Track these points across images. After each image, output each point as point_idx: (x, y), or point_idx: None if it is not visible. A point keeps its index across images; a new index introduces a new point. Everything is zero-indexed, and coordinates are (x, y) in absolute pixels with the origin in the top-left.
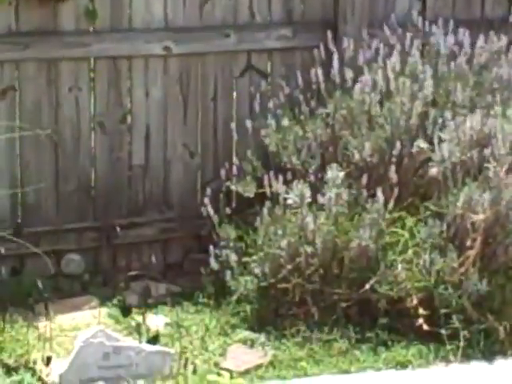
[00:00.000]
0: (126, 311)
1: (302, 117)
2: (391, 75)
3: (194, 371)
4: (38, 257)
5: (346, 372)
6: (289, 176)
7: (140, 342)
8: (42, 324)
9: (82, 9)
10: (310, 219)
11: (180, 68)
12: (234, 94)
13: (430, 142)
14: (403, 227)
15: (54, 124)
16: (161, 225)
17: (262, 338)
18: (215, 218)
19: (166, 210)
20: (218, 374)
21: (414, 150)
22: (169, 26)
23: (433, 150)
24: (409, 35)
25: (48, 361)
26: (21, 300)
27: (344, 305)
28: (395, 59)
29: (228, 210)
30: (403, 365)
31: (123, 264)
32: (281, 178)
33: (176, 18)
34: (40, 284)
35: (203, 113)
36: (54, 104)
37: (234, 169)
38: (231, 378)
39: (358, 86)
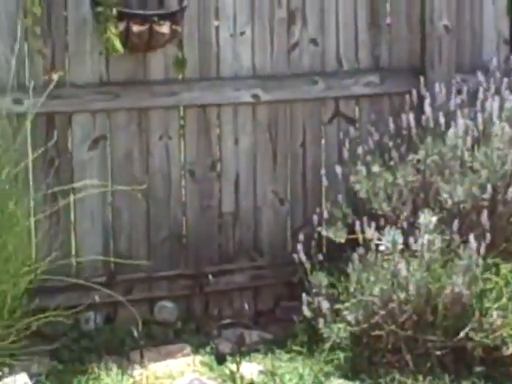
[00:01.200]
0: (220, 359)
1: (392, 163)
2: (487, 119)
3: None
4: (131, 304)
5: None
6: (380, 222)
7: None
8: (137, 372)
9: (171, 58)
10: (402, 265)
11: (268, 115)
12: (323, 140)
13: None
14: (497, 274)
15: (145, 172)
16: (252, 272)
17: None
18: (307, 265)
19: (256, 257)
20: None
21: (509, 196)
22: (257, 74)
23: None
24: (506, 80)
25: None
26: (115, 348)
27: (439, 352)
28: (492, 103)
29: (320, 257)
30: None
31: (215, 311)
32: (373, 224)
33: (264, 66)
34: (135, 331)
35: (292, 159)
36: (145, 152)
37: (325, 214)
38: None
39: (451, 131)
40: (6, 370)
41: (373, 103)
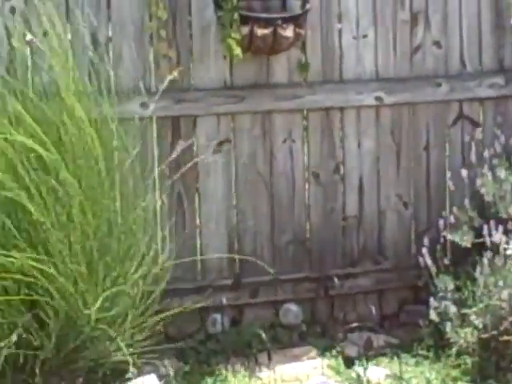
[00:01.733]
0: (348, 362)
1: None
2: None
3: None
4: (257, 307)
5: None
6: (507, 226)
7: None
8: (264, 374)
9: (294, 62)
10: None
11: (392, 118)
12: (446, 143)
13: None
14: None
15: (269, 175)
16: (376, 275)
17: None
18: (433, 269)
19: (381, 261)
20: None
21: None
22: (380, 77)
23: None
24: None
25: None
26: (241, 350)
27: None
28: None
29: (446, 261)
30: None
31: (340, 315)
32: (500, 227)
33: (387, 69)
34: (263, 334)
35: (416, 162)
36: (269, 155)
37: (451, 218)
38: None
39: None
40: (135, 370)
41: (497, 105)
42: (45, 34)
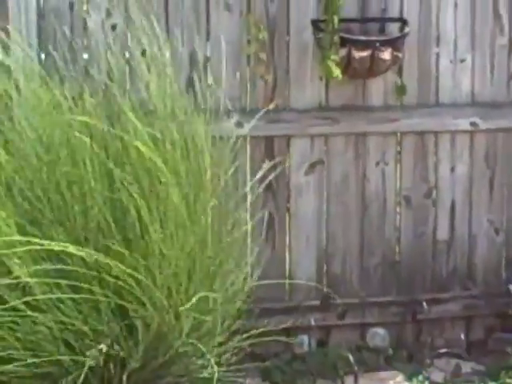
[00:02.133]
0: None
1: None
2: None
3: None
4: (344, 329)
5: None
6: None
7: None
8: None
9: (390, 84)
10: None
11: (486, 144)
12: None
13: None
14: None
15: (361, 197)
16: (464, 301)
17: None
18: None
19: (470, 286)
20: None
21: None
22: (476, 101)
23: None
24: None
25: None
26: (328, 371)
27: None
28: None
29: None
30: None
31: (427, 339)
32: None
33: (483, 94)
34: (350, 357)
35: (509, 189)
36: (361, 178)
37: None
38: None
39: None
40: None
41: None
42: (143, 52)
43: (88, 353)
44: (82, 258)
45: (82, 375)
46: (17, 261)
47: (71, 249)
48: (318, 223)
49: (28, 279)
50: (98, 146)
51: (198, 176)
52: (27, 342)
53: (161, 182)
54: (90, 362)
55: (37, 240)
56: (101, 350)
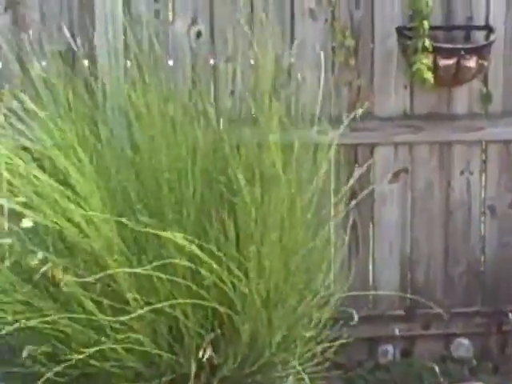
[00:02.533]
0: None
1: None
2: None
3: None
4: (428, 339)
5: None
6: None
7: None
8: None
9: (475, 93)
10: None
11: None
12: None
13: None
14: None
15: (445, 206)
16: None
17: None
18: None
19: None
20: None
21: None
22: None
23: None
24: None
25: None
26: (411, 382)
27: None
28: None
29: None
30: None
31: None
32: None
33: None
34: (436, 368)
35: None
36: (445, 186)
37: None
38: None
39: None
40: None
41: None
42: (227, 59)
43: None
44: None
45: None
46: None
47: (179, 239)
48: (401, 231)
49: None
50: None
51: (294, 184)
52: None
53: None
54: (193, 367)
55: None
56: (202, 354)
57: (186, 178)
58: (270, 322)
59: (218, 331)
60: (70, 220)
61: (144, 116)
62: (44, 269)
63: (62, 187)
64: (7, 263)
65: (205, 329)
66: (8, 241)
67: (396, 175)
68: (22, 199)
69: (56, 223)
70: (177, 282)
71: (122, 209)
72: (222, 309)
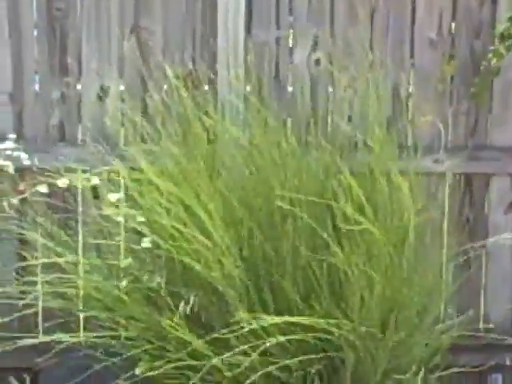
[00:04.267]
0: None
1: None
2: None
3: None
4: None
5: None
6: None
7: None
8: None
9: None
10: None
11: None
12: None
13: None
14: None
15: None
16: None
17: None
18: None
19: None
20: None
21: None
22: None
23: None
24: None
25: None
26: None
27: None
28: None
29: None
30: None
31: None
32: None
33: None
34: None
35: None
36: None
37: None
38: None
39: None
40: None
41: None
42: (345, 87)
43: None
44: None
45: None
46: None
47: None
48: None
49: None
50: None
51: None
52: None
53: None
54: None
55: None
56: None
57: (297, 207)
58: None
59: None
60: (189, 246)
61: (260, 142)
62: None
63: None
64: (124, 282)
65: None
66: (128, 260)
67: (511, 206)
68: (141, 219)
69: (174, 248)
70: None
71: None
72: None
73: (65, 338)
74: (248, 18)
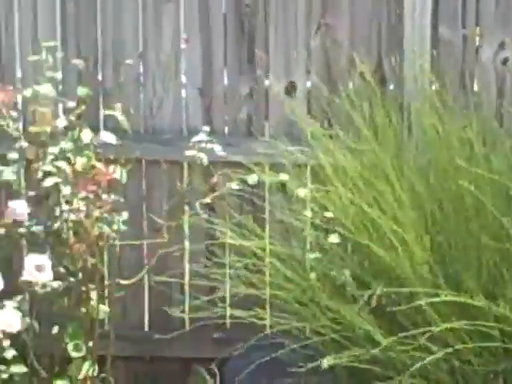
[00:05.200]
0: None
1: None
2: None
3: None
4: None
5: None
6: None
7: None
8: None
9: None
10: None
11: None
12: None
13: None
14: None
15: None
16: None
17: None
18: None
19: None
20: None
21: None
22: None
23: None
24: None
25: None
26: None
27: None
28: None
29: None
30: None
31: None
32: None
33: None
34: None
35: None
36: None
37: None
38: None
39: None
40: None
41: None
42: None
43: None
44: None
45: None
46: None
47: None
48: None
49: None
50: None
51: None
52: None
53: None
54: None
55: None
56: None
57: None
58: None
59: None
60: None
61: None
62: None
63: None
64: (313, 275)
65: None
66: (315, 254)
67: None
68: (329, 214)
69: (365, 241)
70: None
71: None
72: None
73: (251, 319)
74: (434, 15)
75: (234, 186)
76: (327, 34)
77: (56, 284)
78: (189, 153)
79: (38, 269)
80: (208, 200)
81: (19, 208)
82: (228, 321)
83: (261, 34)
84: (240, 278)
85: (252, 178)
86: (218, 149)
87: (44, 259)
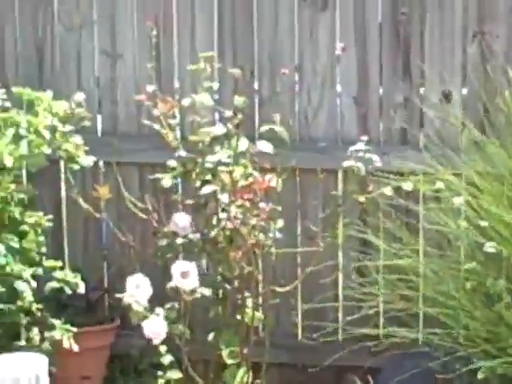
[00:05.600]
0: None
1: None
2: None
3: None
4: None
5: None
6: None
7: None
8: None
9: None
10: None
11: None
12: None
13: None
14: None
15: None
16: None
17: None
18: None
19: None
20: None
21: None
22: None
23: None
24: None
25: None
26: None
27: None
28: None
29: None
30: None
31: None
32: None
33: None
34: None
35: None
36: None
37: None
38: None
39: None
40: None
41: None
42: None
43: None
44: None
45: None
46: None
47: None
48: None
49: None
50: None
51: None
52: None
53: None
54: None
55: None
56: None
57: None
58: None
59: None
60: None
61: None
62: None
63: None
64: (468, 285)
65: None
66: (472, 264)
67: None
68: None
69: None
70: None
71: None
72: None
73: (403, 333)
74: None
75: (388, 191)
76: (483, 41)
77: (206, 291)
78: (347, 163)
79: (183, 275)
80: (362, 199)
81: (182, 221)
82: (381, 335)
83: (416, 42)
84: (393, 290)
85: (407, 185)
86: (375, 158)
87: (190, 266)
